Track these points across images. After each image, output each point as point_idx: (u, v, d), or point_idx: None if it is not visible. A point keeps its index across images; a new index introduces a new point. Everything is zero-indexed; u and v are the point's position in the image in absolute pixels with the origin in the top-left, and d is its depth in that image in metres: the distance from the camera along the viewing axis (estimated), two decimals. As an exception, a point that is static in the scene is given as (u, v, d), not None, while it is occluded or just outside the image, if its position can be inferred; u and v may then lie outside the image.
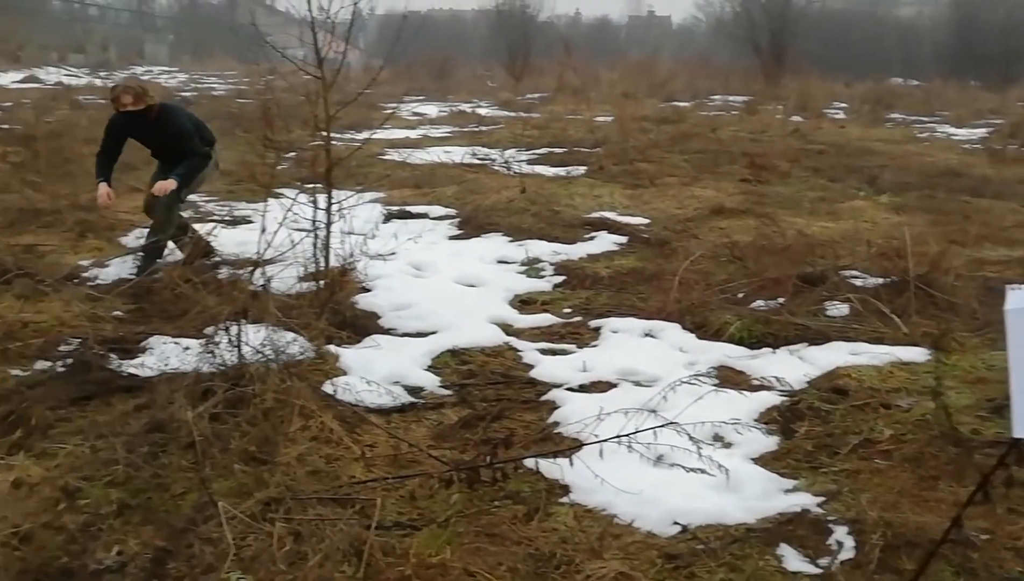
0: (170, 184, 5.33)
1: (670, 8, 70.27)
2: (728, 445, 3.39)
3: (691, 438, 2.73)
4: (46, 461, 3.05)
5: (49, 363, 3.97)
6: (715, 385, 3.80)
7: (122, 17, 50.90)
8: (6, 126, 10.87)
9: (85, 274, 5.48)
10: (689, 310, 4.95)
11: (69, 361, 3.96)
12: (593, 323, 4.92)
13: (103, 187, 5.38)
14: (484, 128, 14.83)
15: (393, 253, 6.09)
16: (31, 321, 4.39)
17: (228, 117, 13.68)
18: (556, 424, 3.56)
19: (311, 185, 5.09)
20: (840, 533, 2.80)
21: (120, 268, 5.54)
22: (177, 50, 46.87)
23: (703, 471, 2.75)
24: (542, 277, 5.94)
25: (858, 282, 5.31)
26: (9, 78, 22.94)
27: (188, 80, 27.99)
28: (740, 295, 5.27)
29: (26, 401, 3.43)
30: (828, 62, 28.63)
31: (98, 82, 20.24)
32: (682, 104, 19.67)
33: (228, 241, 5.96)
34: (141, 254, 5.58)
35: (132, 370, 3.90)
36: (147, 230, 5.67)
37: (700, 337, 4.66)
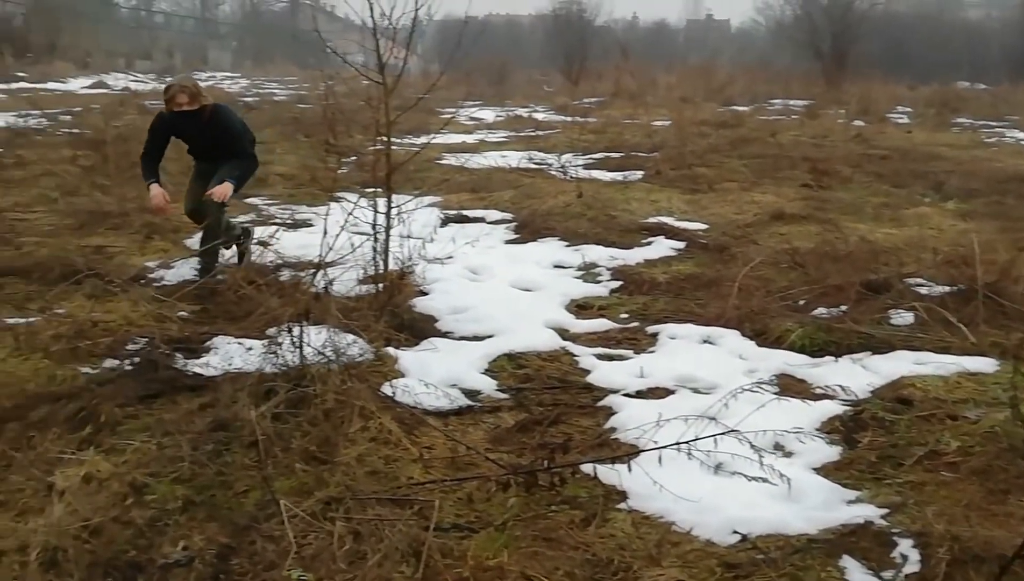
0: (227, 188, 5.31)
1: (729, 11, 69.63)
2: (789, 454, 3.35)
3: (752, 446, 2.70)
4: (115, 457, 3.13)
5: (118, 361, 4.08)
6: (776, 393, 3.75)
7: (187, 24, 52.13)
8: (76, 131, 11.20)
9: (151, 275, 5.62)
10: (748, 317, 4.90)
11: (137, 360, 4.07)
12: (650, 329, 4.89)
13: (157, 189, 5.35)
14: (541, 133, 14.84)
15: (450, 257, 6.13)
16: (100, 320, 4.52)
17: (289, 122, 13.94)
18: (613, 430, 3.55)
19: (371, 189, 5.16)
20: (905, 546, 2.74)
21: (184, 269, 5.67)
22: (239, 56, 47.82)
23: (764, 480, 2.72)
24: (599, 282, 5.93)
25: (923, 290, 5.20)
26: (79, 84, 23.66)
27: (250, 85, 28.55)
28: (801, 302, 5.19)
29: (96, 398, 3.53)
30: (891, 65, 28.10)
31: (163, 88, 20.79)
32: (741, 108, 19.47)
33: (289, 244, 6.06)
34: (201, 259, 5.61)
35: (197, 369, 3.99)
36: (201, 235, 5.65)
37: (760, 344, 4.61)
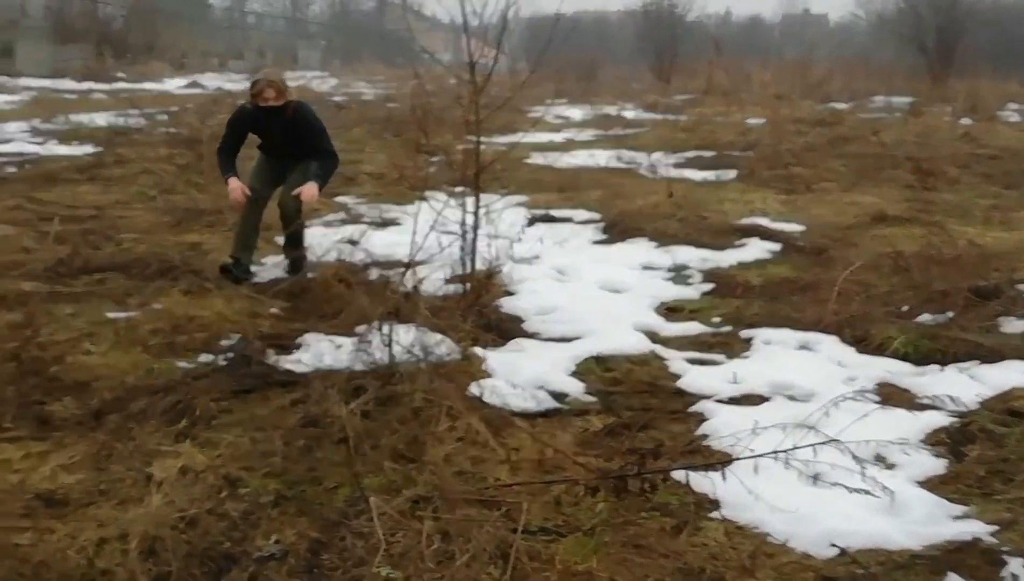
0: (314, 189, 5.33)
1: (827, 5, 67.80)
2: (892, 466, 3.25)
3: (854, 457, 2.63)
4: (209, 450, 3.24)
5: (212, 356, 4.22)
6: (878, 403, 3.65)
7: (278, 24, 53.58)
8: (172, 130, 11.62)
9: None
10: (848, 322, 4.78)
11: (231, 355, 4.20)
12: (744, 333, 4.81)
13: (236, 182, 5.38)
14: (630, 131, 14.76)
15: (537, 257, 6.15)
16: (196, 316, 4.68)
17: (378, 121, 14.19)
18: (705, 436, 3.50)
19: (459, 189, 5.21)
20: (1015, 565, 2.64)
21: (276, 267, 5.82)
22: (328, 55, 48.86)
23: (866, 492, 2.64)
24: (690, 284, 5.87)
25: (1037, 297, 4.99)
26: (174, 84, 24.54)
27: (338, 85, 29.11)
28: (904, 308, 5.04)
29: (191, 392, 3.66)
30: (1001, 61, 26.96)
31: (250, 82, 21.40)
32: (840, 106, 18.97)
33: (378, 243, 6.17)
34: (290, 259, 5.66)
35: (288, 366, 4.09)
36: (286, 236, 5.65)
37: (860, 351, 4.49)
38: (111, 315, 4.73)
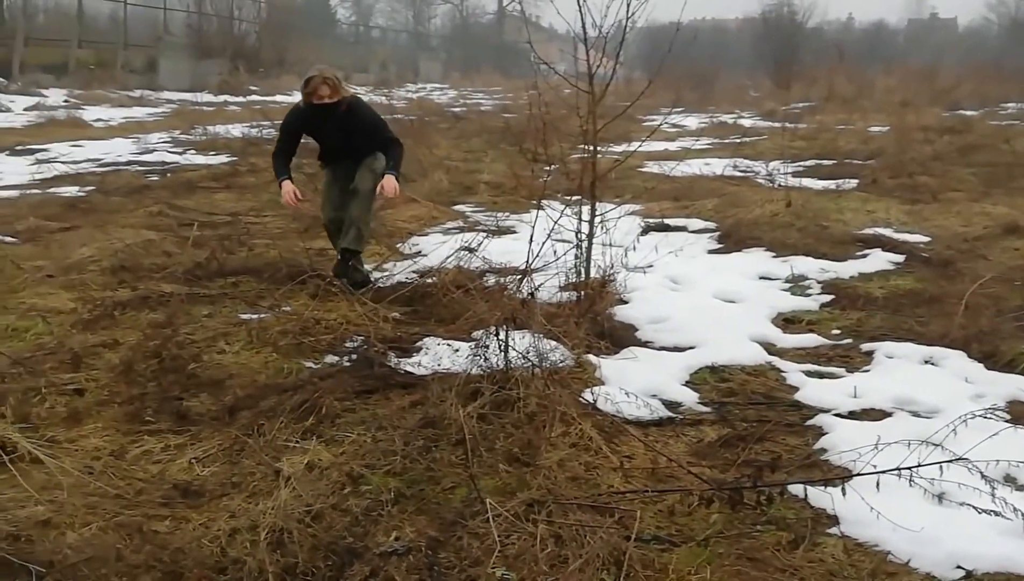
0: (394, 182, 5.10)
1: (956, 9, 64.82)
2: (1022, 488, 3.08)
3: (983, 476, 2.51)
4: (334, 448, 3.34)
5: (337, 358, 4.36)
6: (1008, 422, 3.47)
7: (400, 38, 54.87)
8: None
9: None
10: (976, 337, 4.56)
11: (354, 357, 4.33)
12: (865, 346, 4.66)
13: (288, 185, 5.20)
14: (747, 139, 14.47)
15: (651, 266, 6.10)
16: (322, 318, 4.83)
17: (496, 131, 14.36)
18: (824, 451, 3.41)
19: (575, 197, 5.22)
20: None
21: (399, 273, 5.94)
22: (448, 67, 49.69)
23: (996, 513, 2.52)
24: (808, 295, 5.71)
25: None
26: (303, 97, 25.44)
27: (457, 96, 29.61)
28: (1038, 323, 4.77)
29: (318, 391, 3.78)
30: None
31: (379, 99, 21.93)
32: (969, 113, 18.11)
33: (495, 250, 6.23)
34: (352, 267, 5.40)
35: (408, 368, 4.19)
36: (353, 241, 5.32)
37: (989, 368, 4.27)
38: (244, 316, 4.94)
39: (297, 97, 5.45)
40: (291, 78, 30.66)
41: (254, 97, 24.28)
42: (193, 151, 13.27)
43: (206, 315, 4.99)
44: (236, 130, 14.84)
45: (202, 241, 6.64)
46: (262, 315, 4.95)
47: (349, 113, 5.23)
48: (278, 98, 24.29)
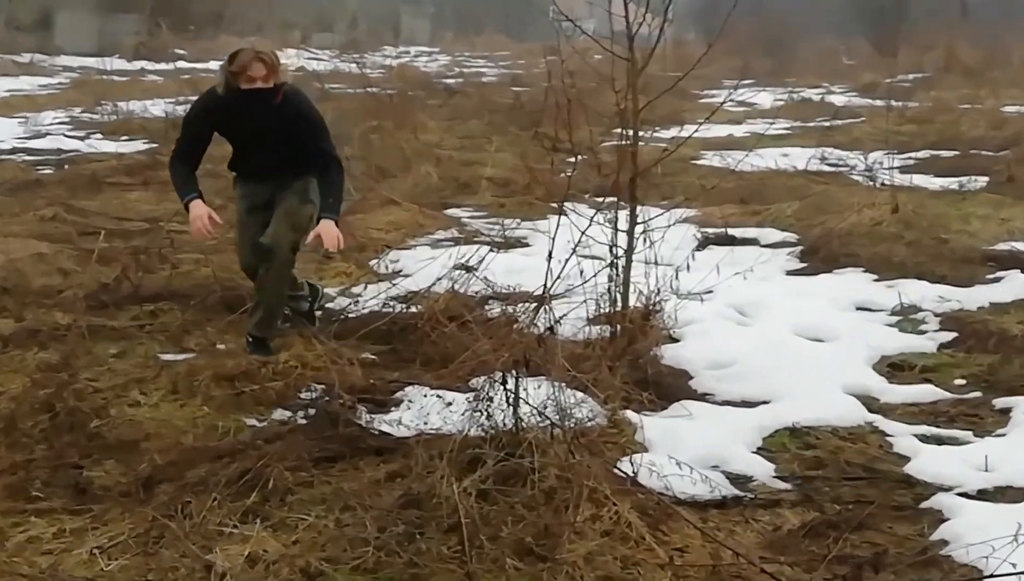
0: (335, 231, 4.87)
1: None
2: None
3: None
4: (284, 534, 3.34)
5: (289, 413, 4.38)
6: None
7: (376, -13, 55.16)
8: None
9: (329, 305, 5.96)
10: None
11: (312, 412, 4.34)
12: (999, 402, 4.66)
13: (200, 207, 4.96)
14: (838, 122, 14.51)
15: (710, 291, 6.10)
16: (269, 361, 4.84)
17: (502, 109, 14.44)
18: (944, 543, 3.40)
19: (608, 199, 5.24)
20: None
21: (372, 300, 5.96)
22: (439, 26, 49.93)
23: None
24: (922, 332, 5.72)
25: None
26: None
27: (451, 63, 29.83)
28: None
29: (263, 458, 3.79)
30: None
31: (345, 67, 22.04)
32: None
33: (500, 269, 6.25)
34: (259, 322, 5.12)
35: (385, 427, 4.19)
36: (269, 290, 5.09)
37: None
38: (165, 357, 4.95)
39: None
40: (231, 40, 30.87)
41: (182, 64, 24.42)
42: (99, 135, 13.39)
43: (114, 355, 5.01)
44: (157, 108, 14.94)
45: (111, 255, 6.68)
46: (189, 356, 4.95)
47: (284, 105, 4.98)
48: (212, 66, 24.40)
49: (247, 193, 5.23)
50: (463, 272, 6.14)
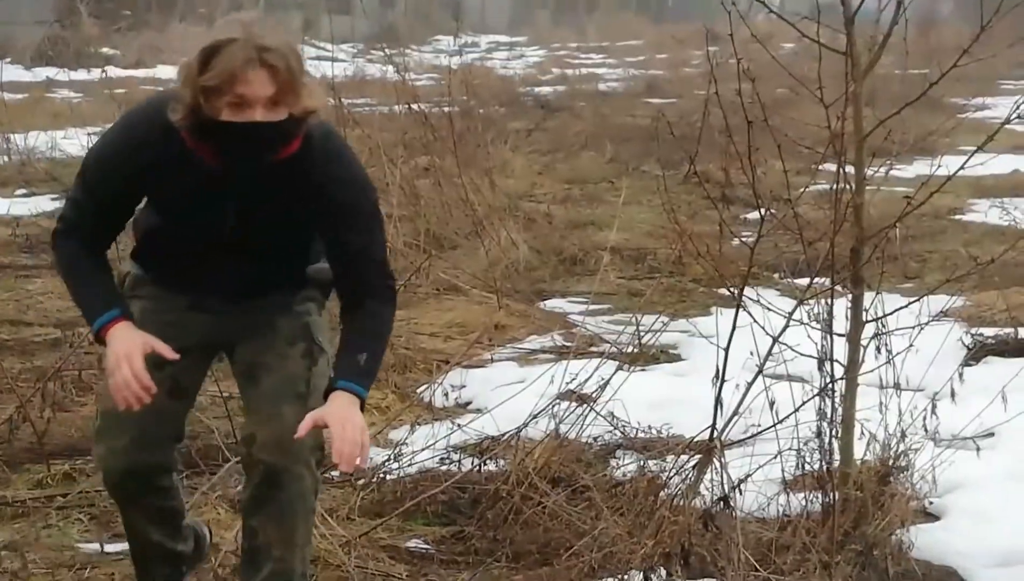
0: (359, 431, 3.74)
1: None
2: None
3: None
4: None
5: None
6: None
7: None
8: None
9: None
10: None
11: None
12: None
13: (126, 339, 3.85)
14: None
15: (991, 434, 6.07)
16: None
17: (633, 138, 14.54)
18: None
19: (813, 281, 5.24)
20: None
21: (425, 450, 5.99)
22: (526, 4, 50.61)
23: None
24: None
25: None
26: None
27: (548, 62, 30.14)
28: None
29: None
30: None
31: (374, 71, 22.30)
32: None
33: (634, 400, 6.25)
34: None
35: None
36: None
37: None
38: (87, 550, 5.00)
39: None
40: (191, 31, 31.67)
41: (113, 70, 24.92)
42: (-19, 188, 13.67)
43: (5, 549, 5.04)
44: (71, 143, 15.20)
45: (1, 384, 6.77)
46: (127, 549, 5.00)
47: (302, 161, 3.99)
48: (160, 73, 24.91)
49: (170, 315, 4.20)
50: (574, 405, 6.15)
